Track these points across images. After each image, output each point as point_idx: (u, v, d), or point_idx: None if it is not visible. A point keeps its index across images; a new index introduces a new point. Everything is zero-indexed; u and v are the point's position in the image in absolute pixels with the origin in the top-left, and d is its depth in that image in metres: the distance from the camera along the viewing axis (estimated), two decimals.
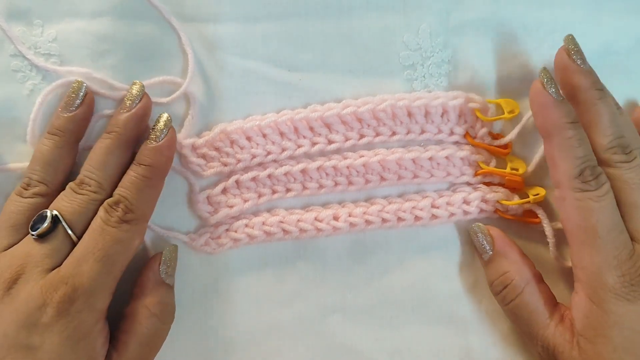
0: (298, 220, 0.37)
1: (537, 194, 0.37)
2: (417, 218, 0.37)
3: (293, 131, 0.37)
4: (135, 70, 0.36)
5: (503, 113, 0.38)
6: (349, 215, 0.37)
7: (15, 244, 0.32)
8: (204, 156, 0.37)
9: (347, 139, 0.37)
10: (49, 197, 0.33)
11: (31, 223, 0.31)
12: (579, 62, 0.34)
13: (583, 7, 0.38)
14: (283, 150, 0.37)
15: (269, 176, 0.37)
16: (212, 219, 0.37)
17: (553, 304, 0.34)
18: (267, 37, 0.37)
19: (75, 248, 0.31)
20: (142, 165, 0.33)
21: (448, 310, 0.38)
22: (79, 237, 0.32)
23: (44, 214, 0.31)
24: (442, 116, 0.37)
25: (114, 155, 0.33)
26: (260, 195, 0.37)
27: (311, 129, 0.37)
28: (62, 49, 0.36)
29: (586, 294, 0.32)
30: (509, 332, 0.37)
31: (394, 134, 0.37)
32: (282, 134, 0.37)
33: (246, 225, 0.37)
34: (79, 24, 0.36)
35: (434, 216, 0.38)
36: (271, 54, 0.37)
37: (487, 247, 0.36)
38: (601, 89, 0.33)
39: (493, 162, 0.38)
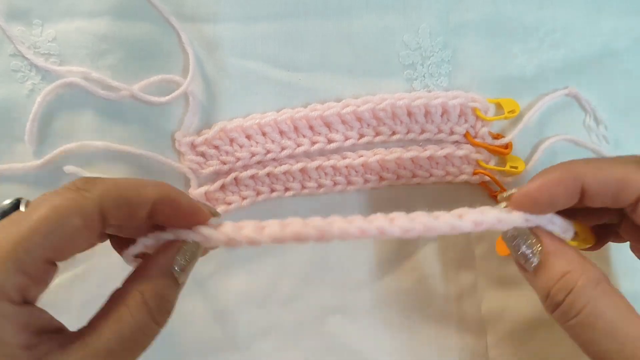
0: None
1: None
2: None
3: (293, 130, 0.37)
4: (135, 70, 0.36)
5: (503, 113, 0.38)
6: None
7: None
8: (202, 154, 0.37)
9: (347, 138, 0.37)
10: None
11: None
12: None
13: (583, 7, 0.38)
14: (283, 148, 0.37)
15: (268, 174, 0.37)
16: None
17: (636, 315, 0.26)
18: (267, 37, 0.37)
19: None
20: None
21: (448, 310, 0.38)
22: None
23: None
24: (442, 116, 0.37)
25: None
26: (258, 193, 0.37)
27: (311, 127, 0.37)
28: (61, 48, 0.36)
29: None
30: (509, 332, 0.37)
31: (394, 133, 0.37)
32: (281, 133, 0.37)
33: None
34: (78, 24, 0.36)
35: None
36: (271, 54, 0.37)
37: (533, 250, 0.27)
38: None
39: (492, 162, 0.38)
